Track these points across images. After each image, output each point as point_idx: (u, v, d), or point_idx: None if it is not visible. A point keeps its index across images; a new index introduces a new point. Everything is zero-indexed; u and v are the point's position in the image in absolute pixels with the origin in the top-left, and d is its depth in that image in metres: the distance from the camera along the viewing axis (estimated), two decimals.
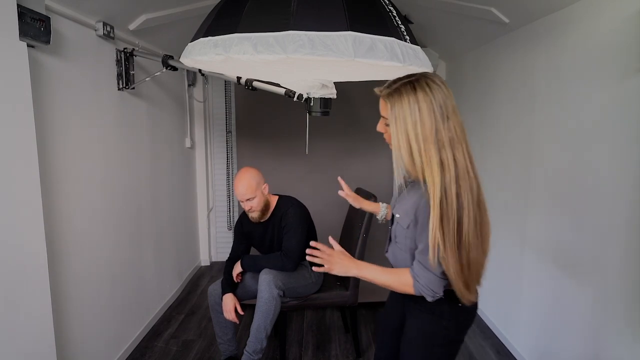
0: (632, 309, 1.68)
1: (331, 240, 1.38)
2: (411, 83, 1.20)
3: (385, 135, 1.32)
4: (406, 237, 1.31)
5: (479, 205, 1.21)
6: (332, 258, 1.32)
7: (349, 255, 1.35)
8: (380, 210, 1.75)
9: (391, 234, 1.40)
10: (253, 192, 2.21)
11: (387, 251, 1.46)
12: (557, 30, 2.14)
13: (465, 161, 1.18)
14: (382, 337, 1.58)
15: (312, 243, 1.36)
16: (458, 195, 1.16)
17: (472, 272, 1.20)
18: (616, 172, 1.75)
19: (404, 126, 1.18)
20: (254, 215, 2.28)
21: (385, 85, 1.26)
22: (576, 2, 1.98)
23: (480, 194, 1.22)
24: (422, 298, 1.28)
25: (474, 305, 1.34)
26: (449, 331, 1.32)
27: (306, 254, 1.35)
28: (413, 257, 1.29)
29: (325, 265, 1.32)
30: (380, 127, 1.32)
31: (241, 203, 2.26)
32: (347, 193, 1.71)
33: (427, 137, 1.16)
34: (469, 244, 1.18)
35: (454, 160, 1.17)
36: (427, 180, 1.18)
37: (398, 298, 1.49)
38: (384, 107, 1.26)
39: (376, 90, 1.28)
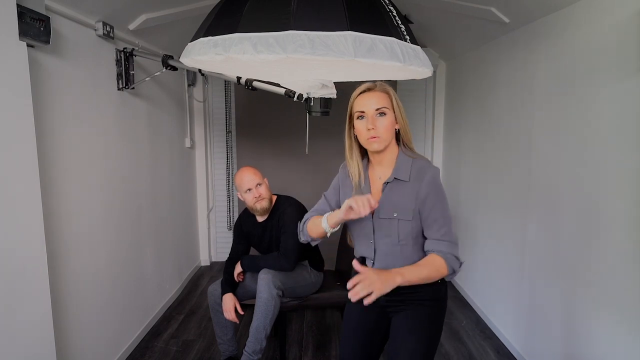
0: (632, 311, 1.68)
1: (355, 264, 1.30)
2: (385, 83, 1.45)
3: (374, 130, 1.37)
4: (412, 228, 1.38)
5: None
6: (371, 280, 1.23)
7: (378, 270, 1.30)
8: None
9: (383, 243, 1.42)
10: (260, 178, 2.28)
11: (373, 264, 1.46)
12: (558, 30, 2.14)
13: None
14: (355, 335, 1.56)
15: (349, 283, 1.25)
16: None
17: None
18: (616, 171, 1.75)
19: (401, 108, 1.42)
20: (263, 204, 2.27)
21: (370, 83, 1.43)
22: (576, 2, 1.98)
23: None
24: (424, 288, 1.39)
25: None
26: (445, 308, 1.51)
27: (349, 291, 1.23)
28: (422, 244, 1.40)
29: (372, 291, 1.21)
30: (372, 122, 1.38)
31: (249, 193, 2.25)
32: None
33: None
34: None
35: None
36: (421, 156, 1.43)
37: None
38: (383, 98, 1.40)
39: (369, 85, 1.43)
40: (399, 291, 1.43)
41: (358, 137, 1.44)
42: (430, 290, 1.44)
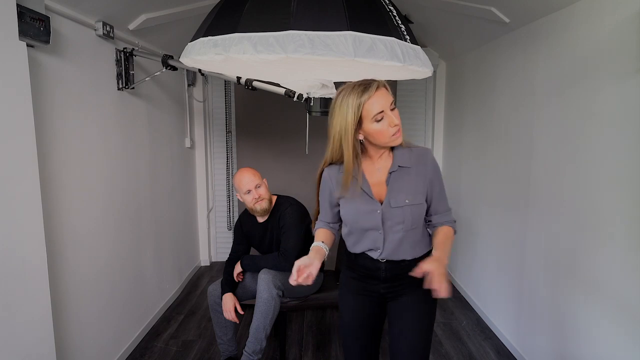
0: (632, 310, 1.68)
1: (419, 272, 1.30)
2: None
3: (398, 125, 1.38)
4: (423, 211, 1.46)
5: None
6: (440, 272, 1.27)
7: (433, 259, 1.33)
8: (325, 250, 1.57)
9: (394, 231, 1.45)
10: (260, 179, 2.28)
11: (381, 254, 1.48)
12: (558, 30, 2.14)
13: None
14: (362, 335, 1.60)
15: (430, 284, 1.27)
16: None
17: None
18: (616, 171, 1.75)
19: None
20: (263, 205, 2.27)
21: (371, 81, 1.36)
22: (576, 2, 1.98)
23: None
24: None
25: None
26: None
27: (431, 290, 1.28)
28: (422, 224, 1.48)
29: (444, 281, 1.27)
30: (396, 117, 1.37)
31: (248, 194, 2.25)
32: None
33: None
34: None
35: None
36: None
37: (365, 292, 1.56)
38: (387, 95, 1.36)
39: (372, 83, 1.35)
40: (399, 281, 1.51)
41: (376, 139, 1.37)
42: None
